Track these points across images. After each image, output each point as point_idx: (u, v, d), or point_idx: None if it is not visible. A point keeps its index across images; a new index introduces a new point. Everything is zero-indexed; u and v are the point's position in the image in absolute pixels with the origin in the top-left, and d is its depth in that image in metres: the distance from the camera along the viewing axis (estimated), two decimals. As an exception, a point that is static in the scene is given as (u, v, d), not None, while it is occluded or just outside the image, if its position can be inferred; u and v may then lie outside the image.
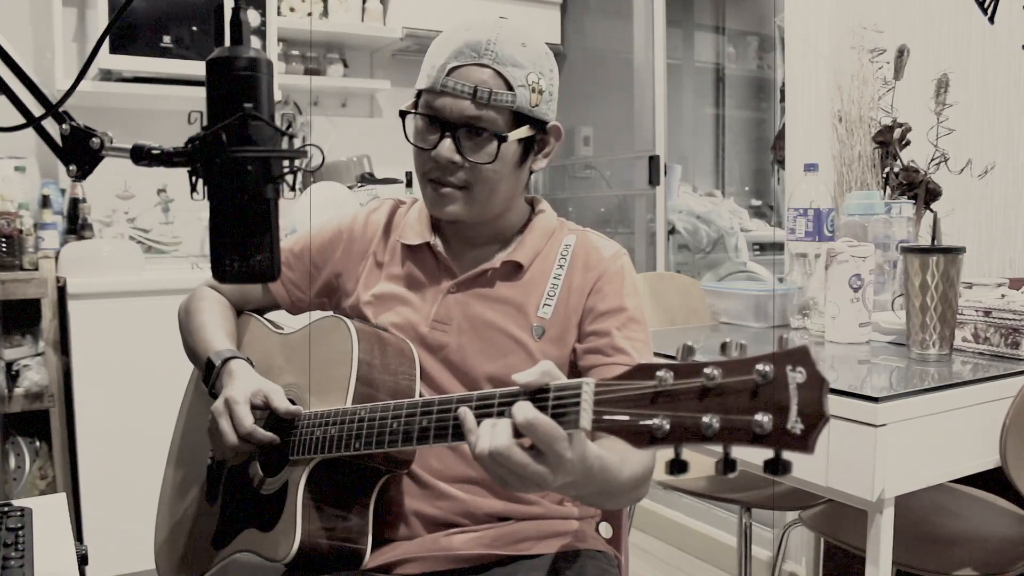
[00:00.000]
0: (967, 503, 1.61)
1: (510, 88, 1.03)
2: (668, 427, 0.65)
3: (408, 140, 1.10)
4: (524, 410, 0.75)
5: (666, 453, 0.67)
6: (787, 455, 0.61)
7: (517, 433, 0.76)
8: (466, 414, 0.81)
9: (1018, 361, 1.36)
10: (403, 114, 1.10)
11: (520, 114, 1.05)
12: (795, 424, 0.60)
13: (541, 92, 1.06)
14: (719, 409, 0.63)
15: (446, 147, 1.04)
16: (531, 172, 1.13)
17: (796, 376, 0.60)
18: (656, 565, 2.72)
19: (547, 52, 1.09)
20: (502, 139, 1.04)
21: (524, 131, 1.06)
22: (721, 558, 2.66)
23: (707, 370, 0.64)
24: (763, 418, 0.61)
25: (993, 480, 1.34)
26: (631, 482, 0.94)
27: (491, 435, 0.77)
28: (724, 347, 0.65)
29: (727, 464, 0.63)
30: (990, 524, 1.53)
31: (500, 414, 0.80)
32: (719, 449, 0.64)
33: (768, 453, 0.61)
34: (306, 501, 1.00)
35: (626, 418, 0.68)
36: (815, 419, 0.60)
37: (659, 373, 0.67)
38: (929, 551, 1.41)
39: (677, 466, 0.65)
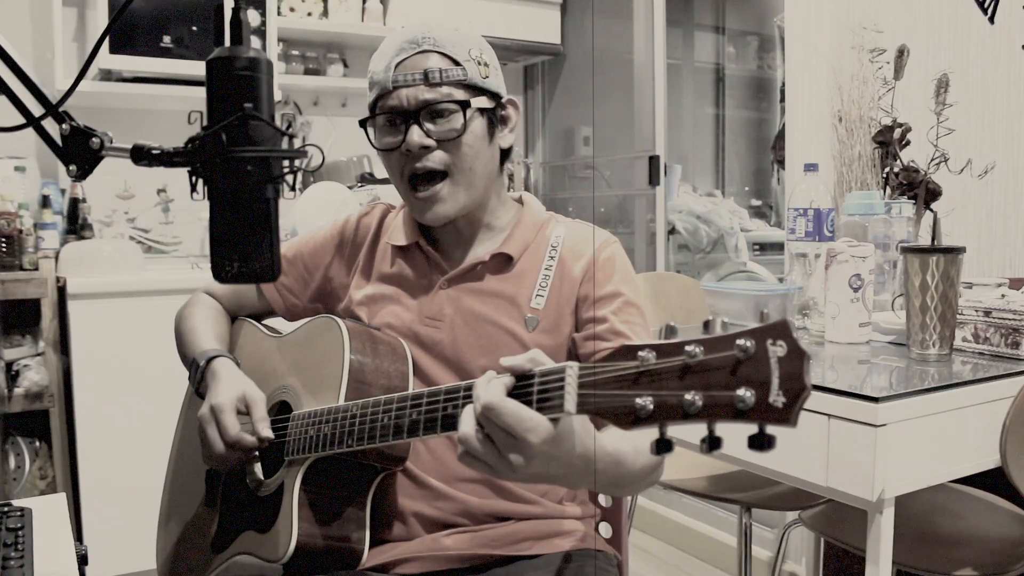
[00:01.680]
0: (967, 503, 1.61)
1: (457, 64, 1.07)
2: (652, 407, 0.65)
3: (376, 148, 1.11)
4: (488, 393, 0.76)
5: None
6: (771, 429, 0.61)
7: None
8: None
9: (1018, 361, 1.36)
10: (363, 123, 1.11)
11: (475, 87, 1.08)
12: (777, 397, 0.60)
13: (487, 65, 1.10)
14: (701, 386, 0.63)
15: (415, 134, 1.05)
16: (502, 150, 1.15)
17: (777, 350, 0.61)
18: (656, 565, 2.72)
19: (479, 36, 1.13)
20: (465, 105, 1.06)
21: (484, 101, 1.09)
22: (721, 558, 2.66)
23: (688, 348, 0.64)
24: (745, 393, 0.61)
25: (993, 480, 1.34)
26: (646, 469, 0.95)
27: (470, 411, 0.78)
28: (707, 325, 0.65)
29: (712, 442, 0.63)
30: (990, 524, 1.53)
31: None
32: (704, 427, 0.64)
33: (752, 428, 0.61)
34: (302, 501, 1.00)
35: (610, 399, 0.69)
36: (797, 391, 0.60)
37: (641, 353, 0.67)
38: (929, 551, 1.41)
39: (663, 446, 0.65)
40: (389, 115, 1.08)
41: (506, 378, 0.78)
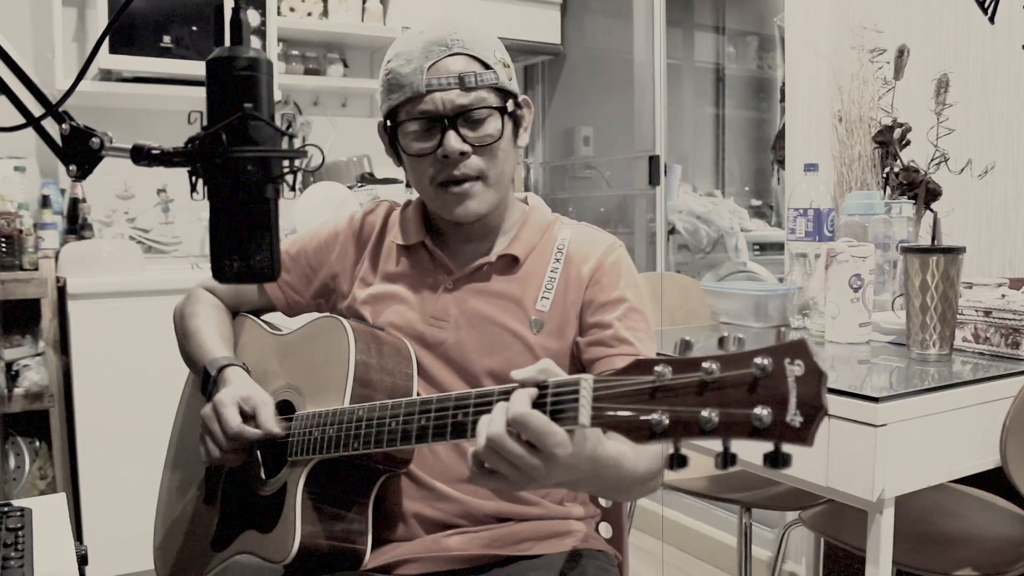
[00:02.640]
0: (967, 503, 1.61)
1: (487, 67, 1.06)
2: (667, 422, 0.65)
3: (403, 153, 1.09)
4: (516, 404, 0.75)
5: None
6: (787, 448, 0.61)
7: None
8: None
9: (1018, 361, 1.36)
10: (394, 126, 1.08)
11: (502, 89, 1.08)
12: (794, 417, 0.60)
13: (508, 66, 1.10)
14: (718, 403, 0.63)
15: (452, 139, 1.04)
16: (518, 149, 1.15)
17: (794, 369, 0.61)
18: (656, 565, 2.72)
19: (495, 35, 1.13)
20: (503, 111, 1.06)
21: (511, 104, 1.09)
22: (721, 558, 2.66)
23: (705, 364, 0.64)
24: (762, 411, 0.61)
25: (993, 480, 1.34)
26: (647, 474, 0.95)
27: (487, 424, 0.77)
28: (722, 341, 0.65)
29: (727, 458, 0.63)
30: (990, 524, 1.53)
31: None
32: (719, 443, 0.64)
33: (768, 446, 0.61)
34: (305, 502, 1.00)
35: (625, 414, 0.69)
36: (814, 411, 0.60)
37: (657, 368, 0.67)
38: (929, 551, 1.41)
39: (677, 460, 0.65)
40: (422, 120, 1.06)
41: (531, 390, 0.77)
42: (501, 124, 1.06)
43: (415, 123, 1.06)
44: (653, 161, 3.08)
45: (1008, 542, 1.45)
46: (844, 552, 2.01)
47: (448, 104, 1.04)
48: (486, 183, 1.08)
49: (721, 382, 0.63)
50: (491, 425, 0.76)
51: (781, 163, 2.64)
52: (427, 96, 1.04)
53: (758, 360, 0.61)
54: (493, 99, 1.06)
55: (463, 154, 1.05)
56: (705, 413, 0.63)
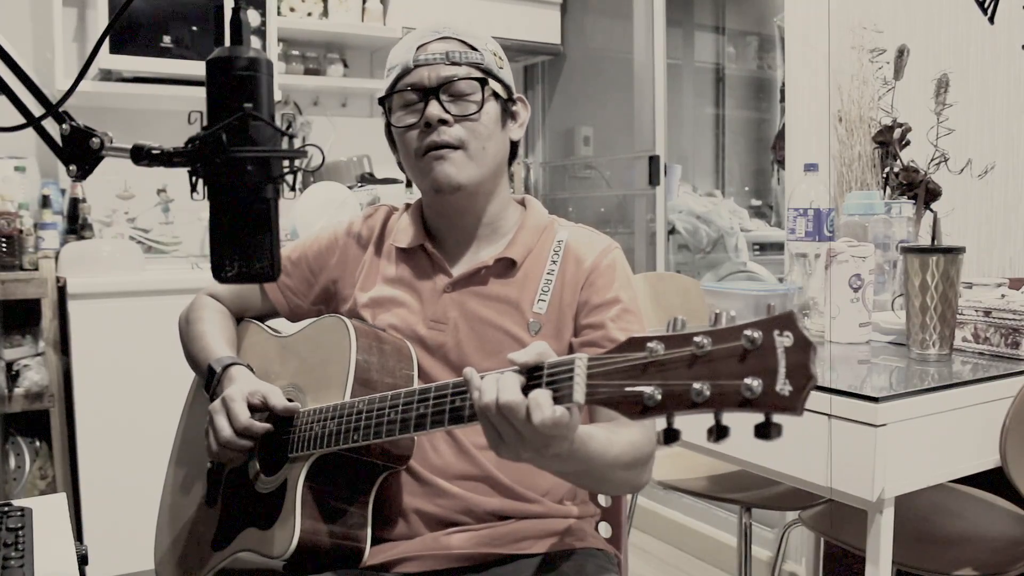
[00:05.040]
0: (967, 503, 1.61)
1: (475, 49, 1.11)
2: (660, 396, 0.66)
3: (394, 128, 1.13)
4: (542, 402, 0.77)
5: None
6: (777, 419, 0.62)
7: (524, 391, 0.78)
8: (472, 372, 0.82)
9: (1018, 361, 1.36)
10: (383, 100, 1.14)
11: (490, 72, 1.11)
12: (784, 386, 0.61)
13: (501, 58, 1.15)
14: (709, 376, 0.64)
15: (434, 107, 1.08)
16: (512, 144, 1.17)
17: (783, 340, 0.62)
18: (656, 565, 2.72)
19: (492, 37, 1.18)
20: (483, 82, 1.09)
21: (499, 88, 1.12)
22: (721, 558, 2.66)
23: (697, 339, 0.65)
24: (752, 382, 0.62)
25: (993, 480, 1.34)
26: (618, 464, 0.95)
27: (501, 388, 0.78)
28: (716, 317, 0.66)
29: (719, 431, 0.64)
30: (990, 524, 1.53)
31: None
32: (711, 417, 0.65)
33: (758, 417, 0.62)
34: (305, 497, 1.00)
35: (619, 390, 0.70)
36: (803, 381, 0.61)
37: (650, 344, 0.68)
38: (929, 551, 1.41)
39: (670, 435, 0.67)
40: (409, 92, 1.10)
41: (519, 377, 0.79)
42: (482, 98, 1.09)
43: (403, 96, 1.11)
44: (653, 161, 3.08)
45: (1008, 542, 1.45)
46: (844, 552, 2.01)
47: (433, 76, 1.09)
48: (466, 153, 1.10)
49: (712, 355, 0.65)
50: (505, 393, 0.78)
51: (781, 163, 2.64)
52: (414, 70, 1.09)
53: (748, 332, 0.63)
54: (478, 75, 1.10)
55: (444, 121, 1.08)
56: (696, 386, 0.64)
